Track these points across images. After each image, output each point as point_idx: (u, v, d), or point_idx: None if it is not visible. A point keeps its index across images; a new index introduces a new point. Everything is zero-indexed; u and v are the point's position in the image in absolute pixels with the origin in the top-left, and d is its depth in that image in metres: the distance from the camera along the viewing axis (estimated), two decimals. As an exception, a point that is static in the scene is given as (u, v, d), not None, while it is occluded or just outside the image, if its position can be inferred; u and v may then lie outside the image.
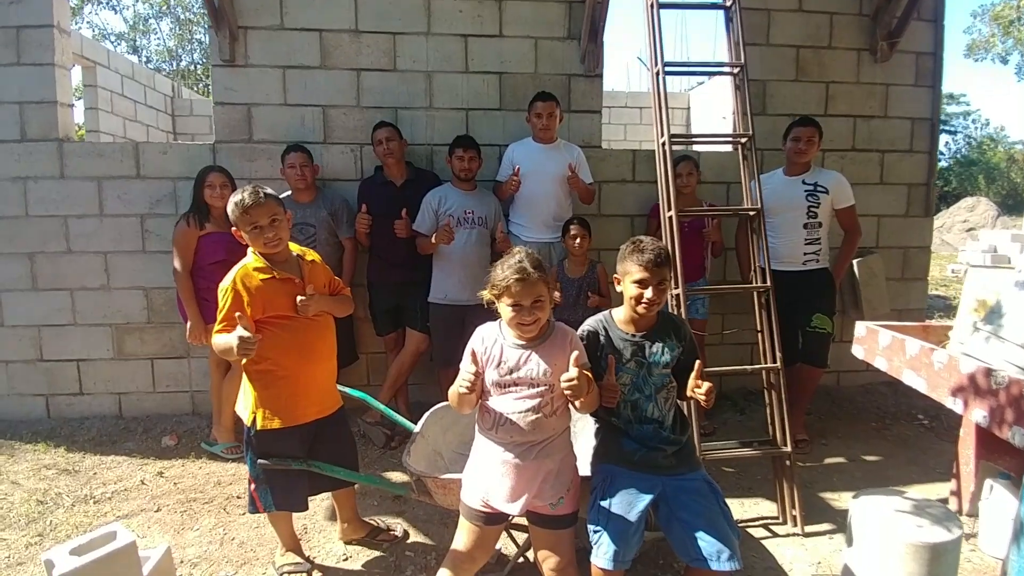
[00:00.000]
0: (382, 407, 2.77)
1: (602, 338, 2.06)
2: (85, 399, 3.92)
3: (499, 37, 3.92)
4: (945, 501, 2.92)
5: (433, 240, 3.33)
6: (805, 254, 3.50)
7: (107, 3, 17.97)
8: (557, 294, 1.96)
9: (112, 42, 18.09)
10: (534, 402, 1.84)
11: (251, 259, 2.17)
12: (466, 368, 1.86)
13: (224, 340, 2.04)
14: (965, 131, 31.34)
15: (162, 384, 3.94)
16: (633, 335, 2.05)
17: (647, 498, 1.89)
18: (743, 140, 3.07)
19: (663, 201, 2.96)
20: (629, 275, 1.99)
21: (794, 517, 2.73)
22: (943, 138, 30.49)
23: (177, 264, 3.33)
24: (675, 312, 2.87)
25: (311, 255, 2.35)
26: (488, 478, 1.89)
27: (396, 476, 3.22)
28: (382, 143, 3.53)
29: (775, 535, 2.70)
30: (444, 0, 3.85)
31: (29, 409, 3.89)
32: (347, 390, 2.82)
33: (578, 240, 3.35)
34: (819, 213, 3.48)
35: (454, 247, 3.40)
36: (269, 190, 2.17)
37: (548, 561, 1.89)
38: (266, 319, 2.13)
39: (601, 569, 1.83)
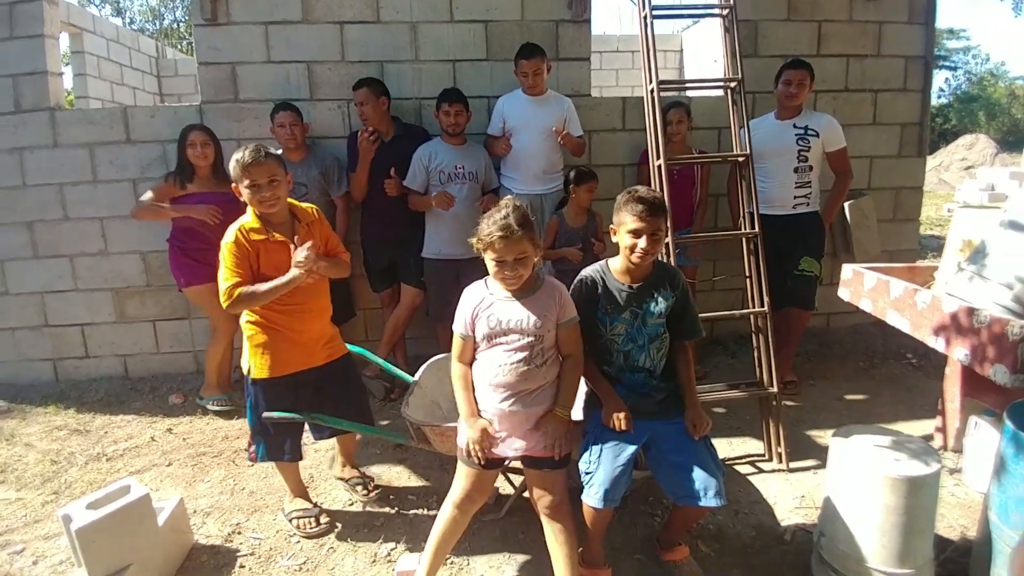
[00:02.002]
0: (380, 361, 2.85)
1: (599, 287, 2.09)
2: (91, 362, 4.01)
3: (484, -17, 3.82)
4: (930, 438, 3.02)
5: (434, 205, 3.35)
6: (795, 198, 3.51)
7: (87, -38, 17.34)
8: (539, 259, 1.96)
9: (96, 5, 17.55)
10: (524, 353, 1.89)
11: (249, 218, 2.21)
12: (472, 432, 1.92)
13: (275, 283, 2.13)
14: (965, 67, 30.55)
15: (165, 345, 4.02)
16: (629, 285, 2.08)
17: (636, 444, 1.97)
18: (732, 84, 3.03)
19: (652, 149, 2.96)
20: (624, 225, 2.00)
21: (779, 454, 2.84)
22: (943, 74, 29.69)
23: (143, 198, 3.38)
24: (665, 260, 2.91)
25: (309, 214, 2.35)
26: None
27: (397, 426, 3.33)
28: (359, 106, 3.50)
29: (761, 471, 2.81)
30: (425, -55, 3.74)
31: (37, 373, 4.00)
32: (347, 347, 2.89)
33: (591, 194, 3.38)
34: (810, 157, 3.46)
35: None
36: (272, 149, 2.19)
37: (543, 499, 1.98)
38: (259, 276, 2.18)
39: (592, 508, 1.92)
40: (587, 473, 1.96)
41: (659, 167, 2.90)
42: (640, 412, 2.04)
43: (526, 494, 2.55)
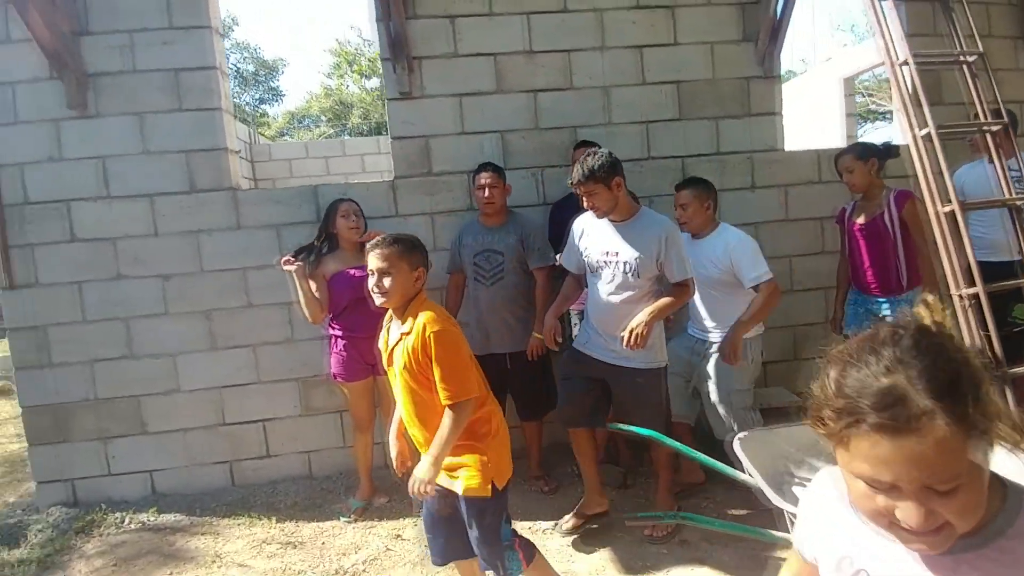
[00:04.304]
0: (676, 444, 2.55)
1: None
2: (272, 461, 3.65)
3: (674, 45, 3.79)
4: None
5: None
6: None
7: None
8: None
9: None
10: None
11: None
12: None
13: None
14: None
15: (351, 437, 3.67)
16: None
17: None
18: (995, 128, 2.94)
19: (931, 197, 2.80)
20: None
21: None
22: None
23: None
24: (959, 325, 2.67)
25: (420, 332, 1.94)
26: None
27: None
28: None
29: None
30: (617, 12, 3.72)
31: (211, 478, 3.62)
32: (628, 427, 2.62)
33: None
34: None
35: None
36: (406, 243, 1.99)
37: None
38: None
39: None
40: None
41: (950, 213, 2.74)
42: None
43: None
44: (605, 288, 2.69)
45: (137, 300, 3.49)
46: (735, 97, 3.82)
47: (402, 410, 2.09)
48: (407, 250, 1.97)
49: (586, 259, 2.76)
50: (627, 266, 2.62)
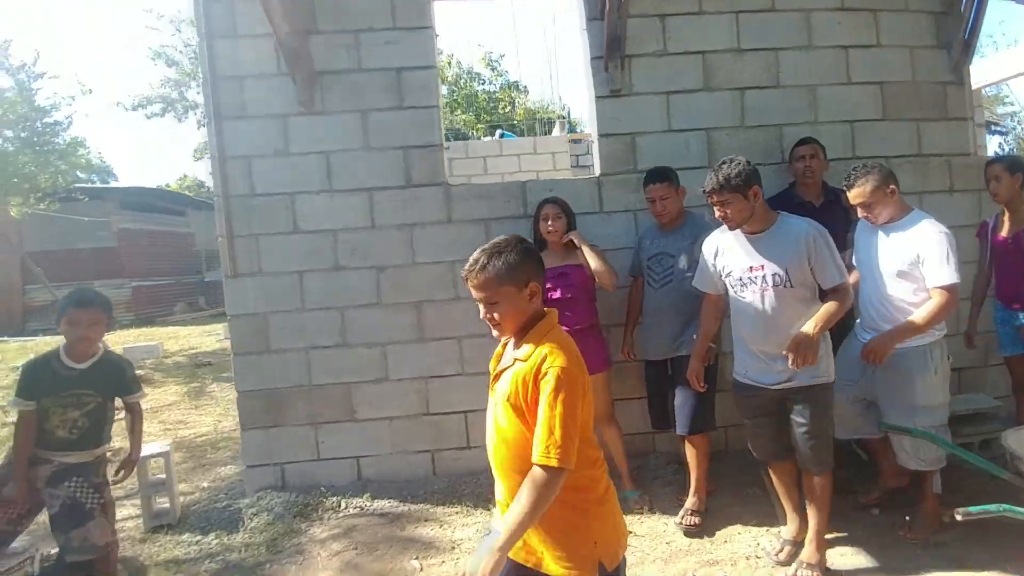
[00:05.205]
0: (950, 445, 2.54)
1: None
2: (472, 452, 3.71)
3: (877, 47, 3.77)
4: None
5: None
6: None
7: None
8: None
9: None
10: None
11: None
12: None
13: None
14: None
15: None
16: None
17: None
18: None
19: None
20: None
21: None
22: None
23: None
24: None
25: (534, 359, 1.57)
26: None
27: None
28: (804, 159, 3.36)
29: None
30: (822, 13, 3.71)
31: (414, 467, 3.70)
32: (903, 428, 2.60)
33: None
34: None
35: None
36: (507, 258, 1.59)
37: None
38: None
39: None
40: None
41: None
42: None
43: None
44: (757, 306, 2.50)
45: (353, 290, 3.59)
46: (933, 100, 3.80)
47: (490, 451, 1.72)
48: (507, 270, 1.58)
49: (728, 279, 2.60)
50: (777, 278, 2.44)
